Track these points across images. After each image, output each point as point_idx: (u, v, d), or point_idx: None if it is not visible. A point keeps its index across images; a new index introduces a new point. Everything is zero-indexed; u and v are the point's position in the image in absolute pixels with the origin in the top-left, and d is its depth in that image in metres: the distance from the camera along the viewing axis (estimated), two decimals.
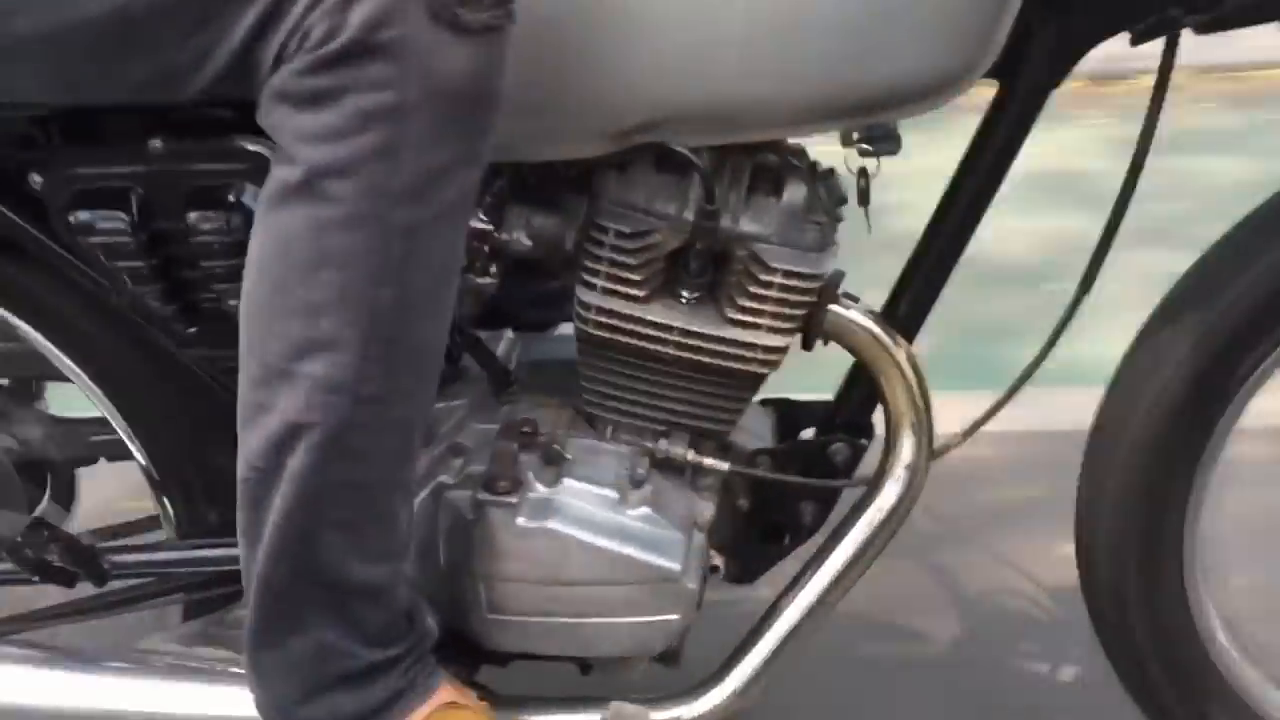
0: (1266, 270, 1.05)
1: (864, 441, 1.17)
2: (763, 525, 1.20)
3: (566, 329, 1.37)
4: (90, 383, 1.18)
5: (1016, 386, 1.15)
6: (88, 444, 1.33)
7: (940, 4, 0.95)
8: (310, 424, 0.88)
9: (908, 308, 1.13)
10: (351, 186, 0.84)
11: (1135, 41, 1.03)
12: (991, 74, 1.04)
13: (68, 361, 1.17)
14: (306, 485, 0.90)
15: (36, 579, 1.19)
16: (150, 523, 1.34)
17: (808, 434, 1.20)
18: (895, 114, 1.01)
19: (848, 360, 1.13)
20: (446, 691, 1.01)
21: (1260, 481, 1.25)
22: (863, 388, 1.16)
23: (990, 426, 1.15)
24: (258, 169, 1.00)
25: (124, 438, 1.21)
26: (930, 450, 1.11)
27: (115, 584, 1.22)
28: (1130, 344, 1.14)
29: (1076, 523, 1.19)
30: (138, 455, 1.21)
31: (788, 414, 1.21)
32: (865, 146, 1.02)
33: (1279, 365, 1.09)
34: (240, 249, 1.03)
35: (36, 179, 1.03)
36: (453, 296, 0.92)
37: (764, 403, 1.23)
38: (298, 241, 0.86)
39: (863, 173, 1.04)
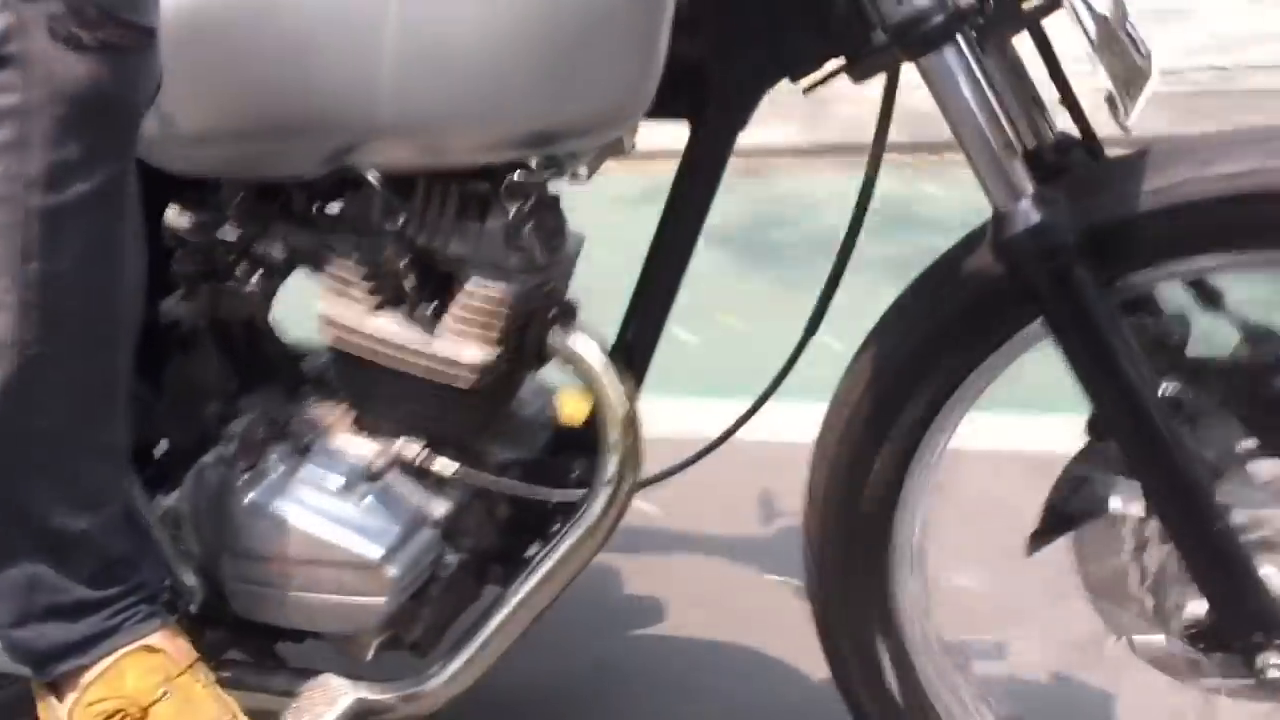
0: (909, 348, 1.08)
1: None
2: (524, 534, 1.28)
3: None
4: None
5: (723, 438, 1.20)
6: None
7: (591, 49, 1.03)
8: None
9: (634, 342, 1.20)
10: None
11: (806, 91, 1.08)
12: (681, 115, 1.11)
13: None
14: None
15: None
16: None
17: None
18: (570, 145, 1.09)
19: None
20: (158, 637, 1.13)
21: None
22: None
23: None
24: None
25: None
26: (635, 480, 1.18)
27: None
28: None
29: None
30: None
31: (558, 433, 1.30)
32: (524, 172, 1.10)
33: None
34: None
35: None
36: (112, 276, 1.05)
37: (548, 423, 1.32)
38: None
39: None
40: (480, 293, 1.14)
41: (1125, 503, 1.08)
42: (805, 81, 1.08)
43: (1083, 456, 1.12)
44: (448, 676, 1.22)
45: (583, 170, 1.12)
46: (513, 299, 1.14)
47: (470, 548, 1.26)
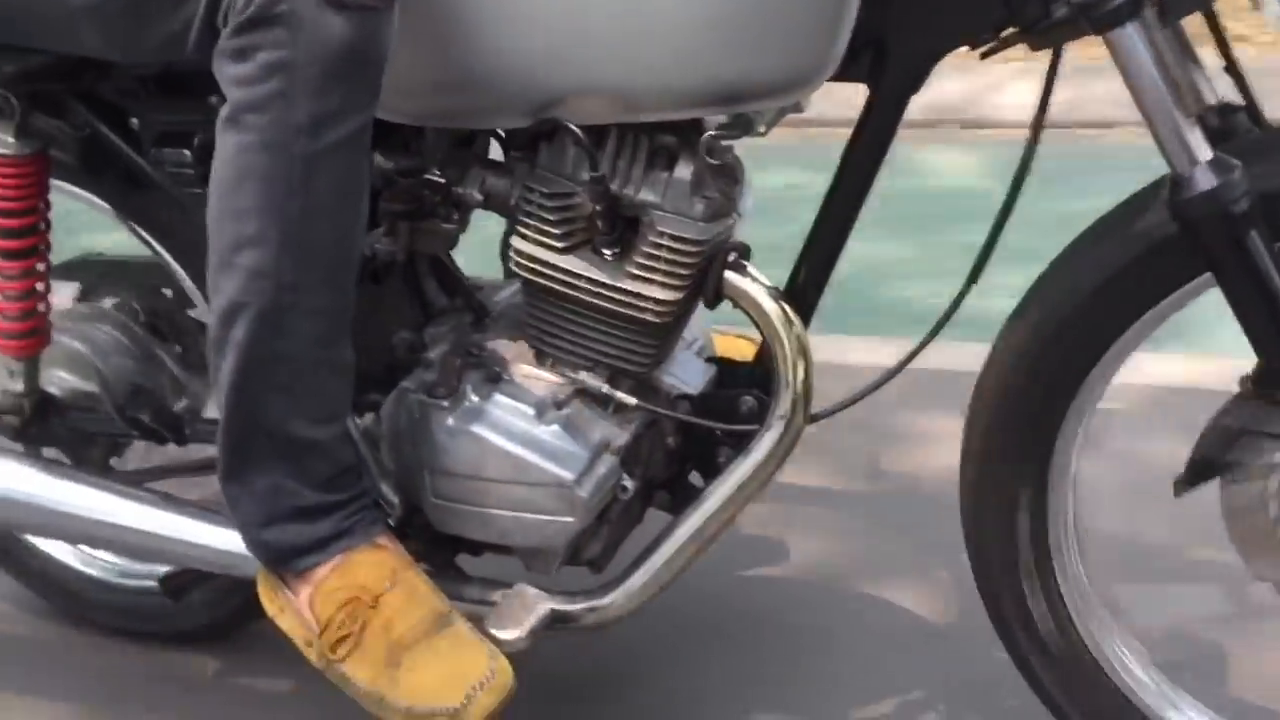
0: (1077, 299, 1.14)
1: (770, 398, 1.33)
2: (692, 463, 1.38)
3: None
4: (194, 285, 1.52)
5: (889, 376, 1.28)
6: None
7: (783, 14, 1.11)
8: (245, 303, 1.17)
9: (803, 287, 1.29)
10: (262, 120, 1.12)
11: (982, 56, 1.15)
12: (861, 79, 1.18)
13: (177, 267, 1.52)
14: (246, 354, 1.18)
15: (135, 435, 1.55)
16: None
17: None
18: (757, 104, 1.17)
19: None
20: (383, 538, 1.26)
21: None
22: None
23: None
24: None
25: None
26: (806, 414, 1.27)
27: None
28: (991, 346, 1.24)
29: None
30: None
31: (724, 370, 1.39)
32: (720, 132, 1.19)
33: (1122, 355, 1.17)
34: None
35: (134, 122, 1.38)
36: (354, 213, 1.17)
37: (710, 360, 1.42)
38: (230, 161, 1.15)
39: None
40: (668, 236, 1.23)
41: (1274, 456, 1.14)
42: (982, 49, 1.14)
43: (1233, 407, 1.18)
44: (628, 592, 1.33)
45: (762, 126, 1.20)
46: (697, 243, 1.23)
47: (642, 474, 1.36)
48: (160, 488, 1.52)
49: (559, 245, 1.27)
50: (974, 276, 1.25)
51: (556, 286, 1.29)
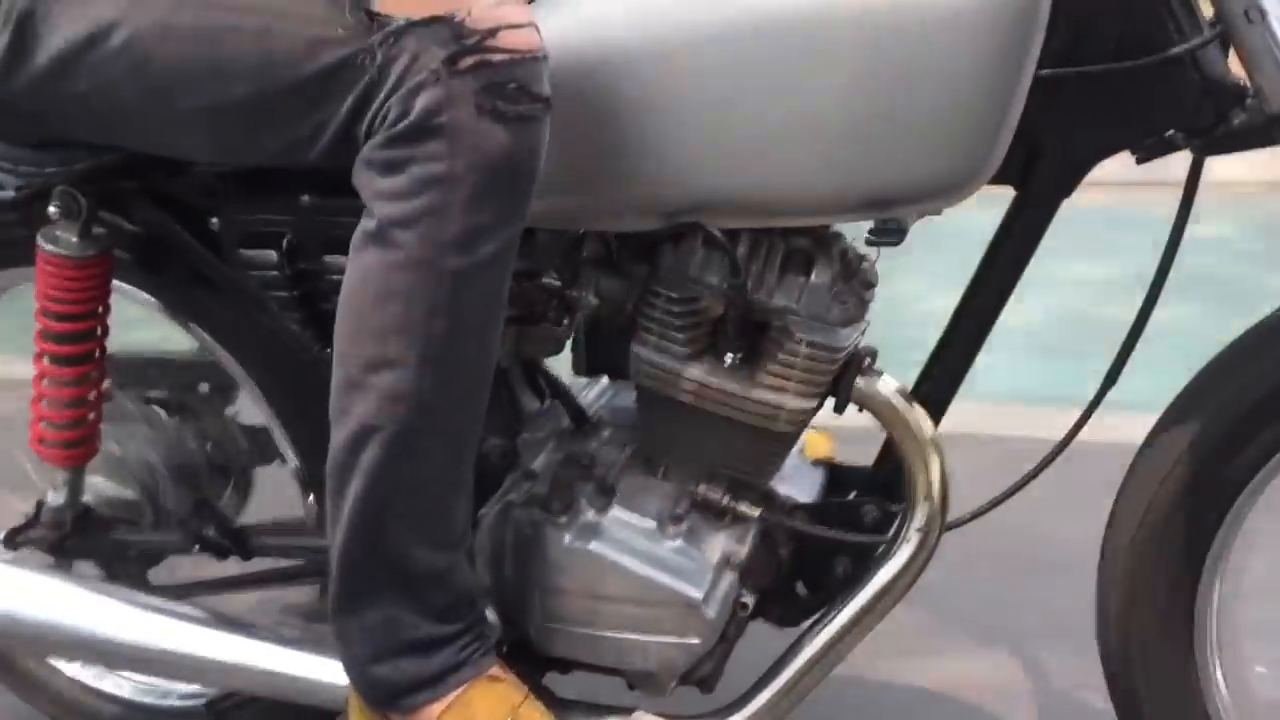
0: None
1: (894, 506, 1.28)
2: (802, 576, 1.32)
3: None
4: (256, 389, 1.43)
5: (1038, 470, 1.24)
6: (265, 449, 1.58)
7: (943, 120, 1.08)
8: (379, 427, 1.09)
9: (935, 386, 1.25)
10: (412, 236, 1.05)
11: (1139, 161, 1.12)
12: (1009, 181, 1.15)
13: (240, 370, 1.43)
14: (375, 479, 1.10)
15: (196, 549, 1.45)
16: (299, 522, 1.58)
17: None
18: (907, 210, 1.13)
19: None
20: (497, 669, 1.19)
21: None
22: (896, 455, 1.28)
23: None
24: None
25: (279, 441, 1.45)
26: (943, 521, 1.22)
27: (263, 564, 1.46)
28: (1150, 431, 1.21)
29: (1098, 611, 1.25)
30: (290, 456, 1.45)
31: (835, 475, 1.34)
32: (871, 238, 1.15)
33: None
34: None
35: (214, 222, 1.29)
36: (497, 330, 1.11)
37: (816, 463, 1.37)
38: (373, 278, 1.08)
39: (862, 261, 1.17)
40: (806, 343, 1.18)
41: None
42: (1140, 155, 1.12)
43: None
44: (754, 714, 1.26)
45: (908, 230, 1.16)
46: (835, 349, 1.18)
47: (757, 588, 1.30)
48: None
49: (684, 352, 1.22)
50: (1132, 340, 1.21)
51: (680, 395, 1.23)
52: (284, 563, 1.50)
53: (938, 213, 1.20)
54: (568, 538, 1.24)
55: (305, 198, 1.26)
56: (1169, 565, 1.19)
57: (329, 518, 1.16)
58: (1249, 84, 1.05)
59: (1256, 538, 1.20)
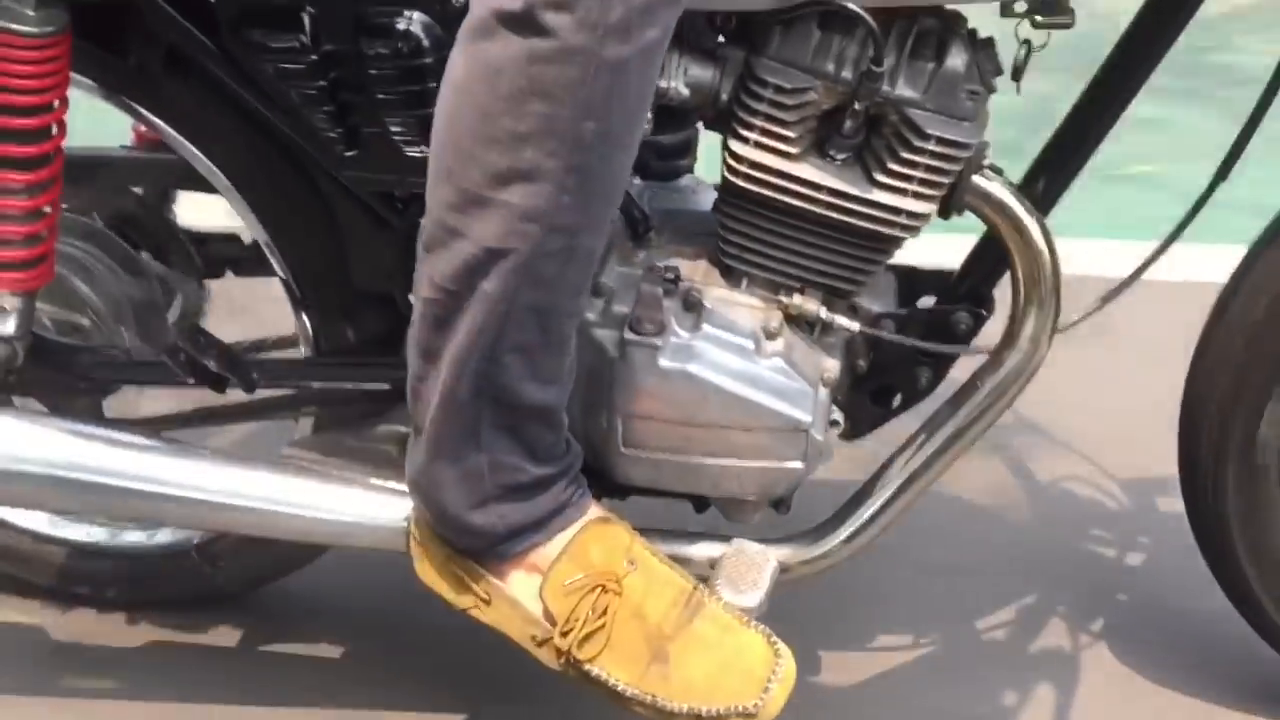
0: None
1: (985, 313, 1.21)
2: (876, 386, 1.25)
3: (687, 179, 1.40)
4: (240, 197, 1.22)
5: (1142, 269, 1.18)
6: (219, 258, 1.37)
7: None
8: (506, 250, 0.93)
9: (1046, 183, 1.16)
10: (567, 20, 0.87)
11: None
12: None
13: (220, 175, 1.22)
14: (495, 309, 0.95)
15: (191, 381, 1.26)
16: (283, 340, 1.40)
17: (927, 301, 1.24)
18: None
19: None
20: (597, 509, 1.08)
21: None
22: (988, 260, 1.20)
23: None
24: None
25: (267, 252, 1.26)
26: (1055, 325, 1.15)
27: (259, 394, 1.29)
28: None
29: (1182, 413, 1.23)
30: (279, 270, 1.26)
31: (910, 280, 1.25)
32: (1039, 19, 1.03)
33: None
34: (410, 76, 1.06)
35: None
36: (640, 133, 0.96)
37: (888, 268, 1.27)
38: (508, 72, 0.90)
39: (1026, 44, 1.05)
40: (936, 139, 1.07)
41: None
42: None
43: None
44: (847, 536, 1.20)
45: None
46: (965, 146, 1.08)
47: (843, 404, 1.22)
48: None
49: (793, 151, 1.08)
50: (1223, 173, 1.16)
51: (785, 198, 1.10)
52: (274, 392, 1.33)
53: None
54: (662, 361, 1.12)
55: None
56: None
57: (420, 354, 1.00)
58: None
59: None
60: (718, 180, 1.22)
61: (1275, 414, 1.17)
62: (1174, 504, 1.33)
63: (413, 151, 1.11)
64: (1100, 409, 1.68)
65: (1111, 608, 1.43)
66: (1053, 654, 1.37)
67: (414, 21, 1.06)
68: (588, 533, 1.05)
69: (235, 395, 1.32)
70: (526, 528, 1.04)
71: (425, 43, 1.06)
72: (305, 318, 1.28)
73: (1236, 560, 1.24)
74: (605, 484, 1.19)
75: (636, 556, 1.06)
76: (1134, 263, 1.19)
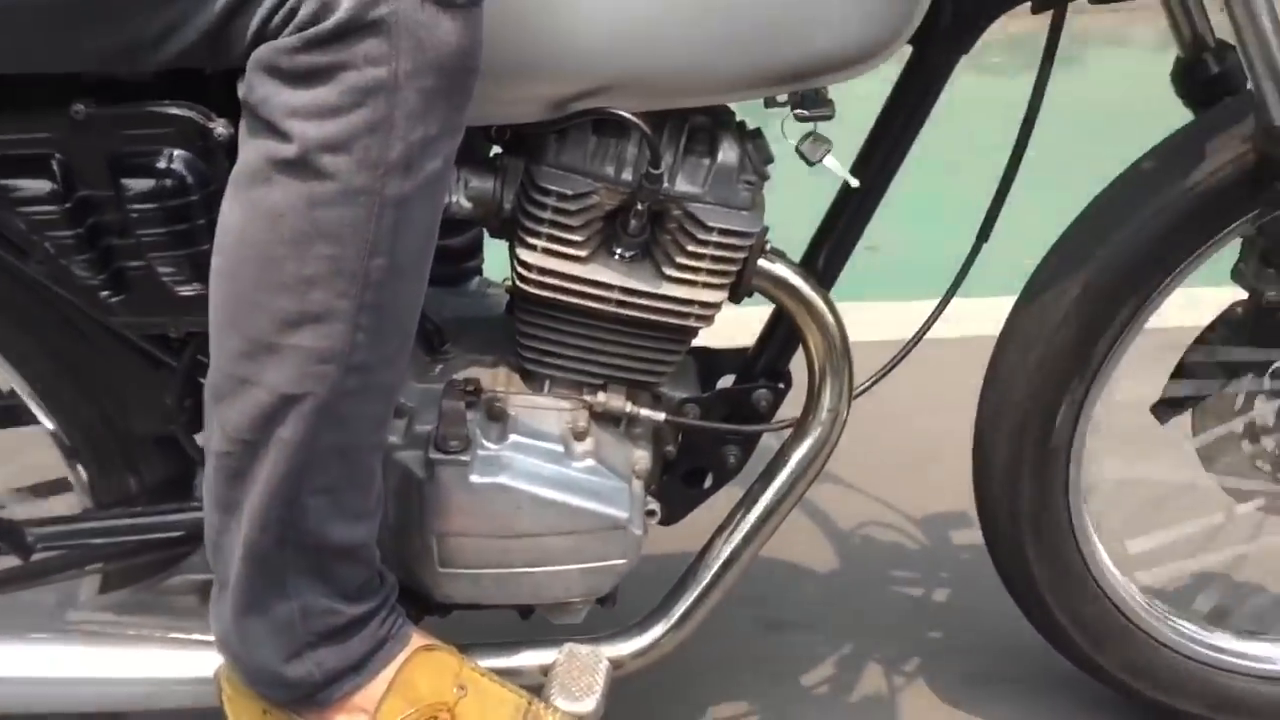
0: (1149, 219, 1.15)
1: (783, 386, 1.23)
2: (688, 469, 1.26)
3: (476, 282, 1.39)
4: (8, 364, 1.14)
5: (922, 331, 1.23)
6: None
7: None
8: (302, 394, 0.90)
9: (826, 258, 1.20)
10: (346, 161, 0.85)
11: (1035, 10, 1.11)
12: (907, 39, 1.10)
13: None
14: (295, 455, 0.91)
15: None
16: (58, 486, 1.31)
17: (726, 382, 1.26)
18: (826, 80, 1.06)
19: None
20: (420, 636, 1.05)
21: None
22: (781, 336, 1.23)
23: None
24: (183, 133, 0.99)
25: (31, 405, 1.18)
26: (850, 389, 1.19)
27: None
28: (1024, 286, 1.23)
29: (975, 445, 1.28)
30: (46, 422, 1.18)
31: (708, 362, 1.27)
32: (801, 112, 1.07)
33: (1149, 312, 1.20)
34: (176, 214, 1.02)
35: None
36: (429, 262, 0.94)
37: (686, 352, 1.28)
38: (289, 217, 0.87)
39: (815, 136, 1.08)
40: (719, 231, 1.09)
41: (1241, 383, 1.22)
42: (1038, 5, 1.10)
43: (1209, 338, 1.25)
44: (675, 622, 1.20)
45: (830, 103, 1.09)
46: (747, 235, 1.10)
47: (657, 492, 1.23)
48: None
49: (581, 253, 1.09)
50: (984, 234, 1.23)
51: (579, 300, 1.10)
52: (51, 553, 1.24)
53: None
54: (472, 476, 1.10)
55: (79, 107, 0.98)
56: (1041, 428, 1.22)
57: (217, 508, 0.95)
58: None
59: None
60: (506, 278, 1.22)
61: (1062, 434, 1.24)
62: (971, 537, 1.39)
63: (185, 290, 1.05)
64: (897, 456, 1.75)
65: (924, 645, 1.47)
66: (874, 699, 1.41)
67: (175, 158, 1.01)
68: (412, 664, 1.02)
69: (4, 560, 1.23)
70: (346, 671, 1.00)
71: (189, 179, 1.01)
72: (81, 469, 1.20)
73: (1034, 581, 1.29)
74: (425, 605, 1.16)
75: (466, 680, 1.03)
76: (917, 323, 1.24)
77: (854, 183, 1.11)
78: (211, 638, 1.07)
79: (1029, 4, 1.10)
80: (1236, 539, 1.32)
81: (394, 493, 1.10)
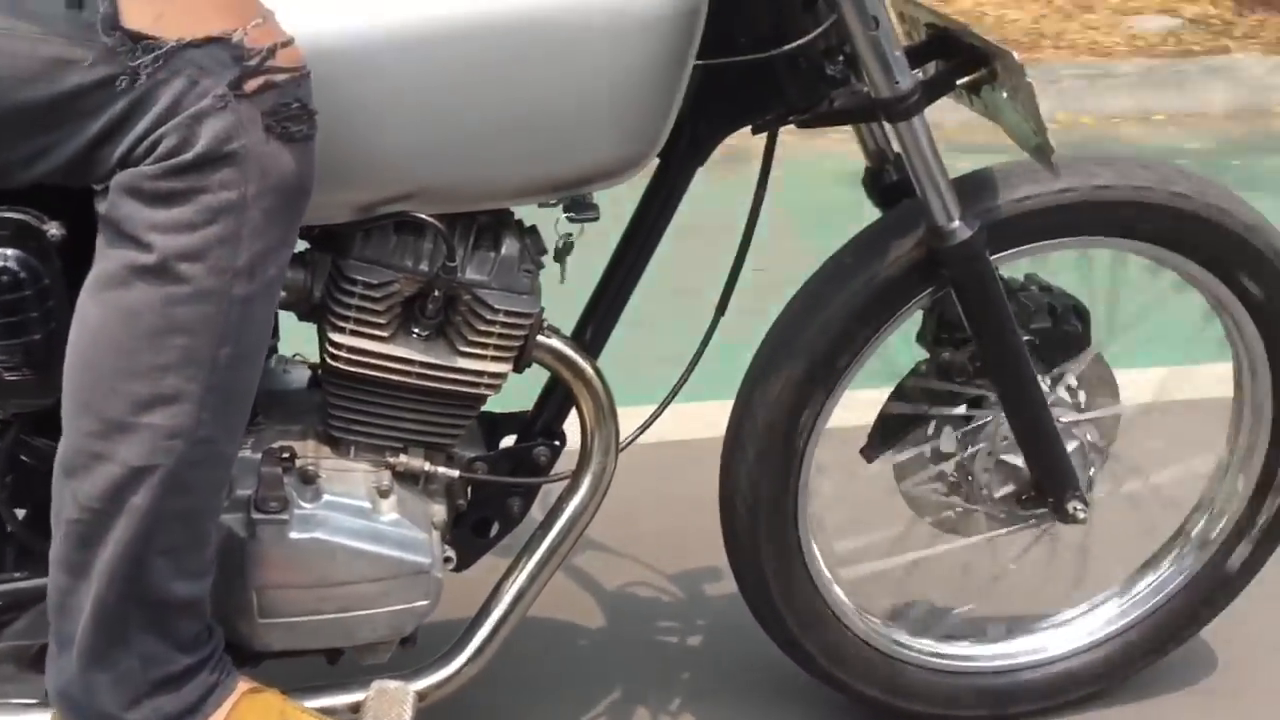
0: (849, 298, 1.41)
1: (559, 444, 1.43)
2: (476, 519, 1.43)
3: (276, 359, 1.52)
4: None
5: (668, 400, 1.45)
6: None
7: (624, 107, 1.22)
8: (153, 466, 1.02)
9: (594, 331, 1.40)
10: (200, 268, 1.00)
11: (754, 132, 1.36)
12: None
13: None
14: (144, 520, 1.03)
15: None
16: None
17: (508, 441, 1.45)
18: (590, 188, 1.27)
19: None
20: (244, 682, 1.17)
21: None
22: (556, 400, 1.42)
23: None
24: (17, 235, 1.11)
25: None
26: (617, 445, 1.39)
27: None
28: (749, 366, 1.46)
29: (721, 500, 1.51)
30: None
31: (493, 425, 1.45)
32: (572, 215, 1.28)
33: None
34: (5, 309, 1.12)
35: None
36: (266, 348, 1.09)
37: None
38: (146, 314, 1.00)
39: (568, 238, 1.30)
40: (504, 312, 1.28)
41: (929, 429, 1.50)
42: (755, 128, 1.35)
43: (902, 391, 1.52)
44: (471, 655, 1.37)
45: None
46: (529, 315, 1.30)
47: (451, 541, 1.40)
48: None
49: (385, 334, 1.26)
50: (722, 308, 1.46)
51: (383, 374, 1.27)
52: None
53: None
54: (291, 533, 1.24)
55: None
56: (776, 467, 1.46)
57: (65, 571, 1.06)
58: (849, 73, 1.32)
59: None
60: (297, 354, 1.38)
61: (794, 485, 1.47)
62: (723, 588, 1.60)
63: (11, 375, 1.15)
64: (650, 519, 1.95)
65: (680, 686, 1.66)
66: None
67: (9, 257, 1.11)
68: (241, 706, 1.15)
69: None
70: (181, 715, 1.12)
71: (23, 275, 1.12)
72: None
73: (779, 614, 1.52)
74: (243, 654, 1.28)
75: (290, 718, 1.17)
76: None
77: None
78: (32, 701, 1.16)
79: (749, 127, 1.35)
80: (917, 547, 1.58)
81: (218, 552, 1.23)
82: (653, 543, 1.89)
